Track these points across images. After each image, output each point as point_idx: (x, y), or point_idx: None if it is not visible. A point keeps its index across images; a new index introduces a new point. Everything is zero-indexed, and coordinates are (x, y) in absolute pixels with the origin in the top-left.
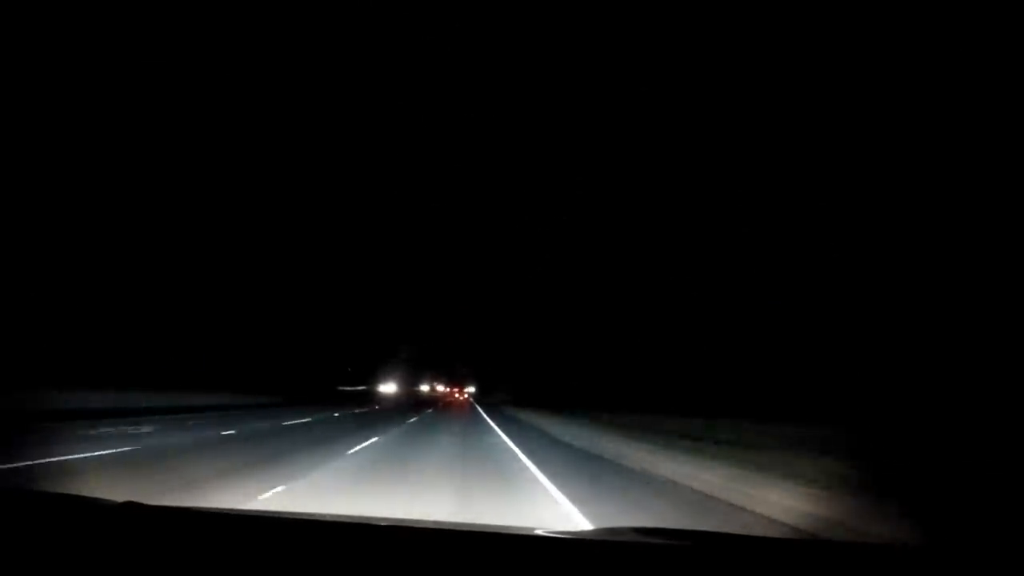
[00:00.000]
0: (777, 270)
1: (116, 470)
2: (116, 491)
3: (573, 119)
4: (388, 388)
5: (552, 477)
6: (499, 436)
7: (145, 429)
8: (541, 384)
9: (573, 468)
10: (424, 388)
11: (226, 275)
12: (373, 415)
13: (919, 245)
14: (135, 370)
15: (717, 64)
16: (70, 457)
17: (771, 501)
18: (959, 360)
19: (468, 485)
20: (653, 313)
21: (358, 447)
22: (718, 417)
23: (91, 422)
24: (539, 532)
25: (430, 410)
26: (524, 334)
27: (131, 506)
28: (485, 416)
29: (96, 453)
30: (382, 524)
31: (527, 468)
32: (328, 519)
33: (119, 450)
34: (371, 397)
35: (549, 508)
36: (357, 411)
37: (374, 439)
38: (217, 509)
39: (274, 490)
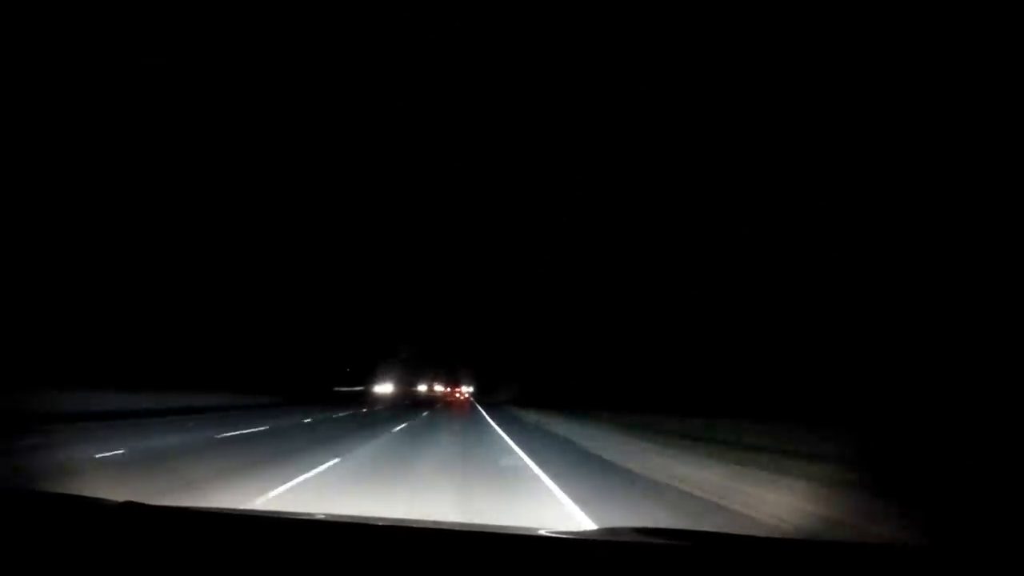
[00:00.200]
0: (777, 270)
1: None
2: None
3: (573, 119)
4: (384, 388)
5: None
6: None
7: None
8: (541, 384)
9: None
10: (422, 388)
11: (225, 275)
12: (354, 420)
13: (919, 245)
14: (134, 370)
15: (717, 64)
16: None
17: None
18: (959, 360)
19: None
20: (653, 313)
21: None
22: (719, 417)
23: (105, 423)
24: (539, 532)
25: (425, 413)
26: (524, 334)
27: (131, 506)
28: (490, 420)
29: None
30: (383, 524)
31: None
32: (328, 519)
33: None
34: (365, 398)
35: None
36: (336, 416)
37: (333, 461)
38: (217, 509)
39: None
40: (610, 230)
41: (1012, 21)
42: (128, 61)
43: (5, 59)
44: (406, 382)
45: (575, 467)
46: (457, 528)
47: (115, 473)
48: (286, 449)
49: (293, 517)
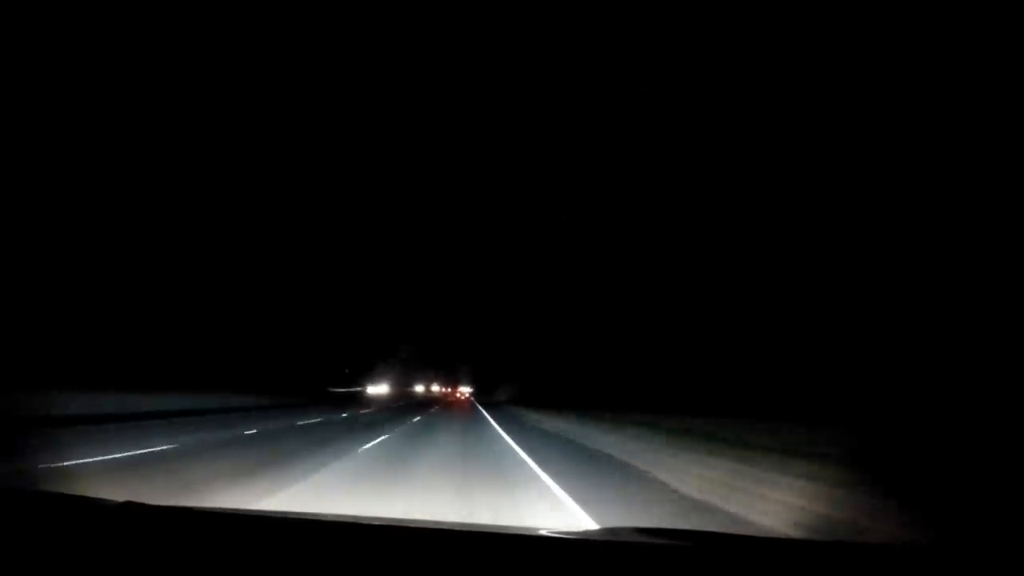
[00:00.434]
0: (777, 270)
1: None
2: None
3: (573, 119)
4: (379, 389)
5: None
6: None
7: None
8: (541, 384)
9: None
10: (419, 389)
11: (223, 275)
12: (330, 427)
13: (920, 245)
14: (132, 371)
15: (717, 64)
16: None
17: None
18: (959, 359)
19: None
20: (653, 313)
21: None
22: (720, 416)
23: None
24: (539, 532)
25: (417, 418)
26: (524, 334)
27: (130, 506)
28: (499, 427)
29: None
30: (384, 524)
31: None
32: (329, 519)
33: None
34: (358, 400)
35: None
36: (305, 423)
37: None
38: (217, 509)
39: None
40: (610, 230)
41: (1012, 21)
42: (128, 61)
43: (5, 59)
44: (402, 383)
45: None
46: (457, 528)
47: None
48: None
49: (293, 517)
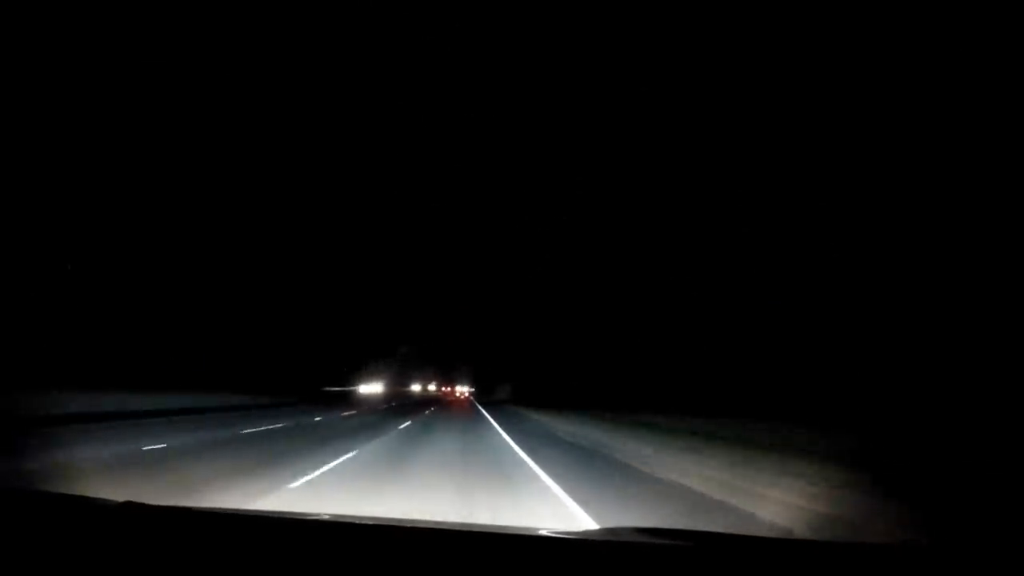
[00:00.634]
0: (777, 270)
1: None
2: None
3: (573, 119)
4: (373, 389)
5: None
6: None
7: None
8: (541, 383)
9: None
10: (415, 388)
11: (222, 275)
12: (284, 438)
13: (920, 245)
14: (132, 370)
15: (717, 64)
16: None
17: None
18: (959, 359)
19: None
20: (653, 313)
21: None
22: (721, 416)
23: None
24: (539, 532)
25: (405, 424)
26: (524, 333)
27: (130, 506)
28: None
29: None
30: (383, 524)
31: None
32: (329, 519)
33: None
34: (349, 399)
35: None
36: (257, 430)
37: None
38: (217, 509)
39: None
40: (610, 230)
41: (1012, 21)
42: (128, 61)
43: (6, 59)
44: (398, 382)
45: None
46: (457, 528)
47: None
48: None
49: (293, 517)
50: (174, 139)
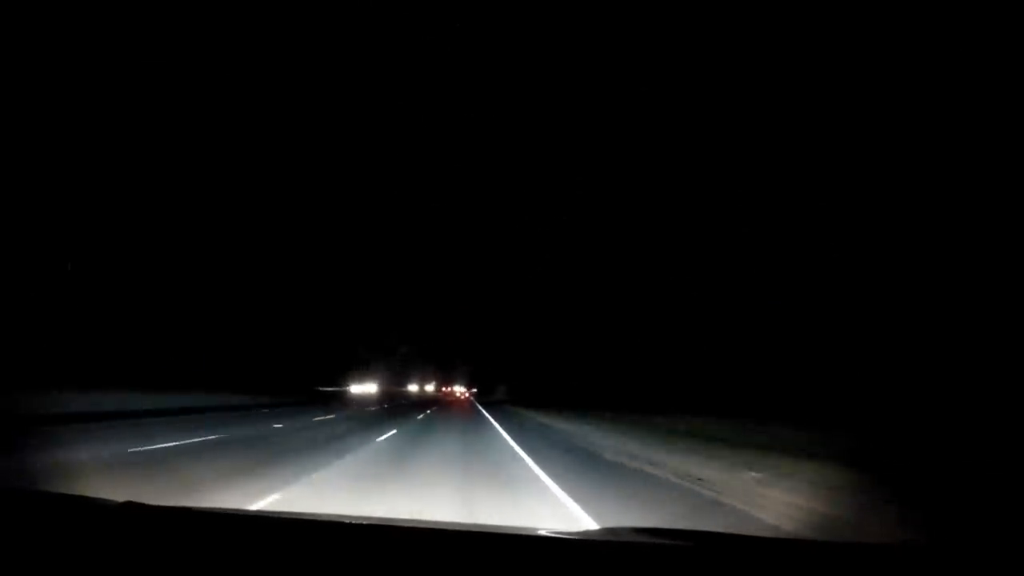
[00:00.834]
0: (777, 270)
1: None
2: None
3: (573, 119)
4: (368, 389)
5: None
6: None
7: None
8: (541, 384)
9: None
10: (413, 388)
11: (221, 275)
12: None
13: (920, 245)
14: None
15: (717, 64)
16: None
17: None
18: (959, 359)
19: None
20: (653, 313)
21: None
22: (721, 417)
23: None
24: (539, 532)
25: (388, 434)
26: (525, 333)
27: (130, 506)
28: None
29: None
30: (384, 524)
31: None
32: (329, 519)
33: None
34: (341, 400)
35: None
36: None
37: None
38: (217, 509)
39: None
40: (610, 230)
41: (1012, 21)
42: (128, 61)
43: (6, 60)
44: (394, 381)
45: None
46: (457, 528)
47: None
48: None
49: (293, 517)
50: (174, 139)
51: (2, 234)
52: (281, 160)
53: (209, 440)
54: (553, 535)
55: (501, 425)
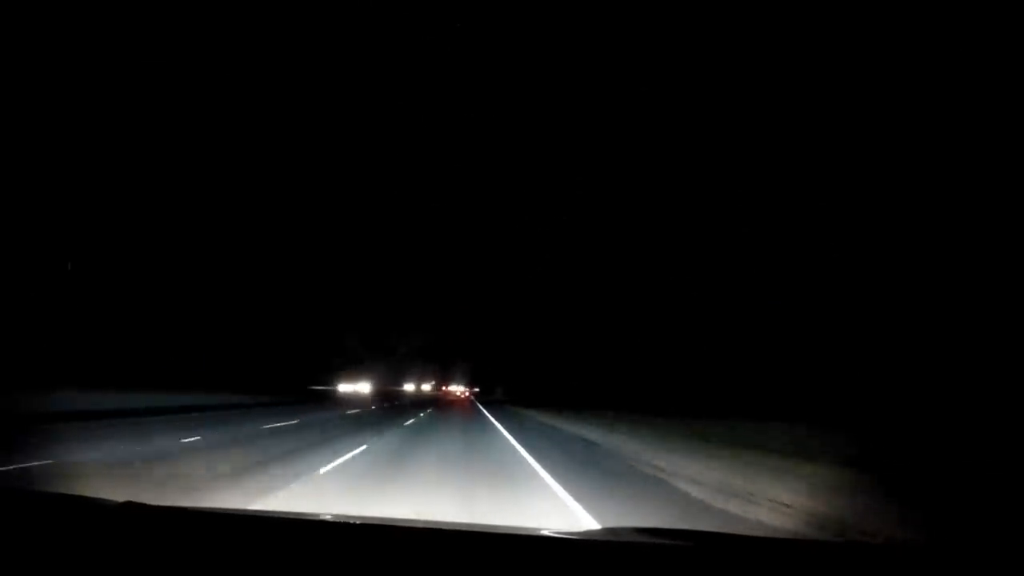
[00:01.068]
0: (777, 270)
1: None
2: None
3: (573, 119)
4: (359, 388)
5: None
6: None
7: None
8: (541, 383)
9: None
10: (408, 388)
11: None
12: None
13: (920, 245)
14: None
15: (716, 64)
16: None
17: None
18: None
19: None
20: (653, 312)
21: None
22: (723, 418)
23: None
24: (540, 532)
25: (346, 458)
26: (526, 333)
27: (130, 506)
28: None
29: None
30: (384, 524)
31: None
32: (329, 519)
33: None
34: (333, 400)
35: None
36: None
37: None
38: (217, 509)
39: None
40: (610, 230)
41: (1012, 21)
42: (128, 61)
43: (7, 60)
44: (391, 380)
45: None
46: (458, 528)
47: None
48: None
49: (293, 517)
50: (175, 141)
51: (2, 234)
52: (282, 161)
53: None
54: (554, 535)
55: (505, 424)
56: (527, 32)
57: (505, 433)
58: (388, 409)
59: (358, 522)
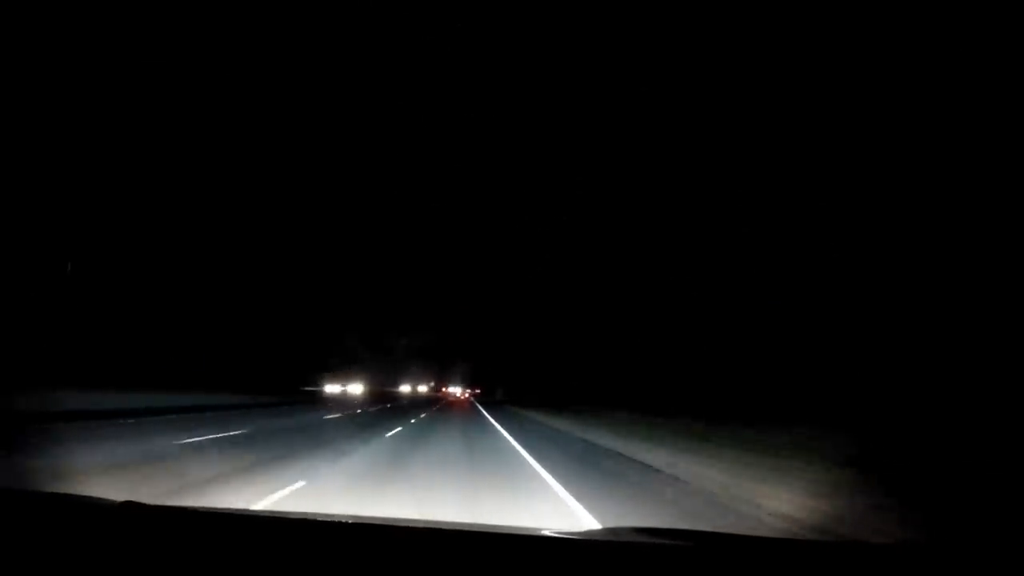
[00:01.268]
0: (776, 270)
1: None
2: None
3: (573, 119)
4: (353, 388)
5: None
6: None
7: None
8: (541, 384)
9: None
10: (405, 389)
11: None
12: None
13: (920, 245)
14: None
15: (716, 64)
16: None
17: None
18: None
19: None
20: (653, 312)
21: None
22: (725, 420)
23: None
24: (540, 532)
25: (295, 487)
26: (525, 333)
27: (130, 506)
28: None
29: None
30: (384, 524)
31: None
32: (329, 519)
33: None
34: (321, 400)
35: None
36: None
37: None
38: (217, 509)
39: None
40: (610, 230)
41: (1012, 21)
42: (128, 61)
43: (7, 61)
44: (387, 381)
45: None
46: (458, 528)
47: None
48: None
49: (293, 517)
50: (175, 141)
51: (2, 234)
52: (281, 161)
53: None
54: (554, 535)
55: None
56: (527, 32)
57: (527, 456)
58: (375, 414)
59: (358, 522)
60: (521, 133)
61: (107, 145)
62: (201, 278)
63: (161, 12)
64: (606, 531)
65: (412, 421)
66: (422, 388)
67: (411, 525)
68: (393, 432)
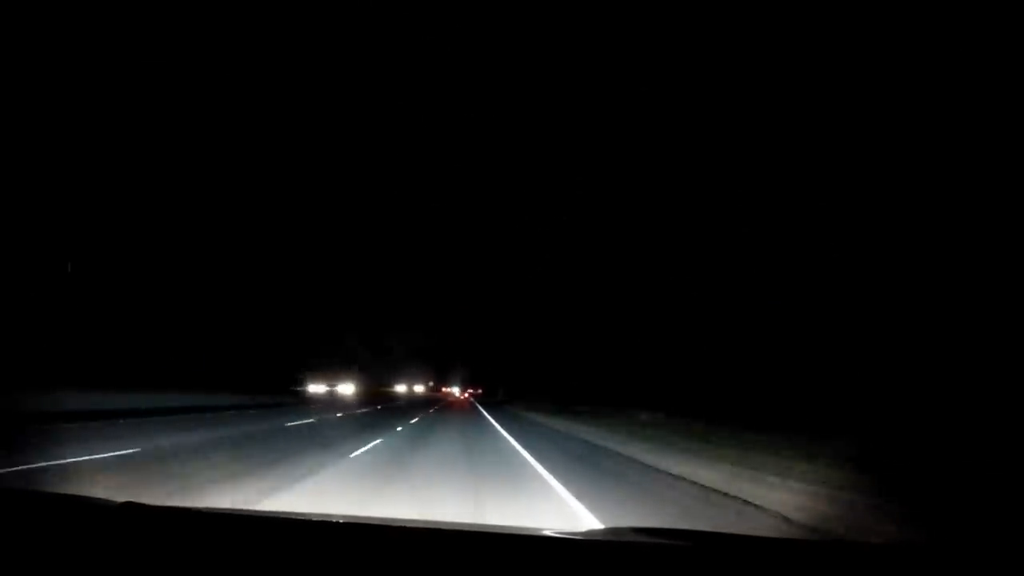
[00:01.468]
0: (776, 270)
1: None
2: None
3: (573, 119)
4: (344, 388)
5: None
6: None
7: None
8: (541, 384)
9: None
10: (400, 389)
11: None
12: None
13: (920, 245)
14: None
15: (716, 64)
16: None
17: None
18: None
19: None
20: (653, 313)
21: None
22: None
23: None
24: (541, 532)
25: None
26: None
27: (130, 506)
28: None
29: None
30: (384, 524)
31: None
32: (329, 519)
33: None
34: (307, 401)
35: None
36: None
37: None
38: (217, 509)
39: None
40: (610, 230)
41: (1012, 21)
42: (128, 61)
43: (7, 61)
44: (384, 381)
45: None
46: (459, 528)
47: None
48: None
49: (293, 517)
50: (174, 141)
51: (2, 234)
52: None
53: None
54: (555, 535)
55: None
56: (527, 32)
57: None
58: (364, 415)
59: (358, 522)
60: (521, 133)
61: (107, 145)
62: (201, 278)
63: (161, 12)
64: (607, 531)
65: (399, 429)
66: (418, 388)
67: (411, 525)
68: (369, 447)
